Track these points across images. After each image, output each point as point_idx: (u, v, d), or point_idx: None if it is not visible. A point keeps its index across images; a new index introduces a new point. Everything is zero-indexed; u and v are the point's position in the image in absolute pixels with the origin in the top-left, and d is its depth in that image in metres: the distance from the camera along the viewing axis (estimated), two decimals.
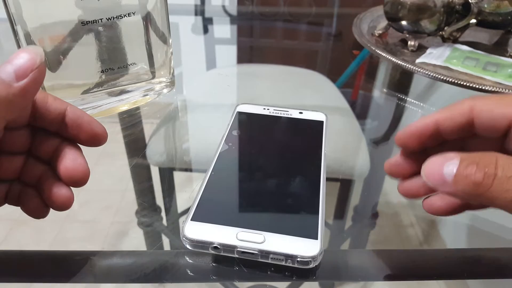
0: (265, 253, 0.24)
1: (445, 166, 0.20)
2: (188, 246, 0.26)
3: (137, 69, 0.42)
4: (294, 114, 0.37)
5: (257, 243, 0.25)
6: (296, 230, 0.25)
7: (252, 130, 0.37)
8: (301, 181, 0.30)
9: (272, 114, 0.37)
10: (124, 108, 0.43)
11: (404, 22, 0.54)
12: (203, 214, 0.27)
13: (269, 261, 0.25)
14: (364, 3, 0.71)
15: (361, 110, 0.55)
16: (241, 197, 0.29)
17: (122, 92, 0.42)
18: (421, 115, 0.51)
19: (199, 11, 0.83)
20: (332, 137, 0.36)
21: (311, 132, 0.36)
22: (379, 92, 0.57)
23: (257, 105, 0.38)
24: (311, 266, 0.24)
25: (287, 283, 0.28)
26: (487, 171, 0.19)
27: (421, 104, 0.52)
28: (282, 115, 0.37)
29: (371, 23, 0.62)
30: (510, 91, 0.45)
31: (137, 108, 0.44)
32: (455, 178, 0.19)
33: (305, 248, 0.24)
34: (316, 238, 0.25)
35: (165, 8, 0.41)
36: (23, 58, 0.21)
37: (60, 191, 0.24)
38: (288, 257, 0.24)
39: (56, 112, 0.24)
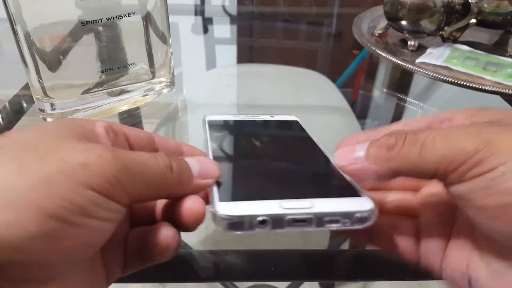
0: (320, 216, 0.20)
1: (356, 148, 0.22)
2: (224, 229, 0.20)
3: (137, 69, 0.42)
4: (267, 118, 0.34)
5: (307, 208, 0.21)
6: (338, 192, 0.22)
7: (236, 137, 0.33)
8: (313, 161, 0.28)
9: (249, 119, 0.34)
10: (124, 108, 0.43)
11: (404, 22, 0.54)
12: (232, 193, 0.22)
13: (324, 227, 0.21)
14: (364, 3, 0.71)
15: (361, 110, 0.55)
16: (265, 173, 0.26)
17: (122, 92, 0.42)
18: (421, 115, 0.51)
19: (199, 11, 0.83)
20: (332, 137, 0.36)
21: (293, 131, 0.34)
22: (379, 92, 0.57)
23: (225, 115, 0.35)
24: (370, 223, 0.21)
25: (287, 283, 0.28)
26: (398, 136, 0.20)
27: (421, 104, 0.52)
28: (257, 119, 0.34)
29: (371, 23, 0.62)
30: (510, 90, 0.45)
31: (137, 108, 0.44)
32: (367, 152, 0.21)
33: (358, 204, 0.21)
34: (362, 196, 0.22)
35: (165, 8, 0.41)
36: (211, 163, 0.22)
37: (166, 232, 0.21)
38: (346, 216, 0.21)
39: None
